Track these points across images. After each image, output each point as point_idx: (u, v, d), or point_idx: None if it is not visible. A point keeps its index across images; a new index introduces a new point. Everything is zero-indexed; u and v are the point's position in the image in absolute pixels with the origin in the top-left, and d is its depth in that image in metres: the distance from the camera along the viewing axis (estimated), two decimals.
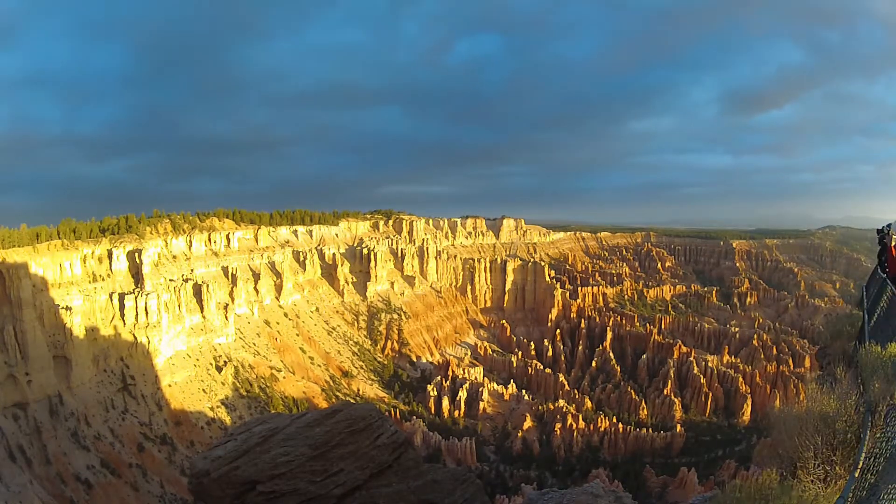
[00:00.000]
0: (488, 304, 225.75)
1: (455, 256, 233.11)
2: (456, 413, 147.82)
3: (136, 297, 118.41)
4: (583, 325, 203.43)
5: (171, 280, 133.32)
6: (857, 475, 7.37)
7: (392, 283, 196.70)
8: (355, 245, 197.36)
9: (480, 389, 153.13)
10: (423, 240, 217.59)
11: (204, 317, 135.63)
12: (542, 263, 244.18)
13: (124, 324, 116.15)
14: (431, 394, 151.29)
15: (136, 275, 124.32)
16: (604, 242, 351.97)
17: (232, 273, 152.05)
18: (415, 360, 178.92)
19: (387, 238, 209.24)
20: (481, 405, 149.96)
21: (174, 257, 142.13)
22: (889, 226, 19.33)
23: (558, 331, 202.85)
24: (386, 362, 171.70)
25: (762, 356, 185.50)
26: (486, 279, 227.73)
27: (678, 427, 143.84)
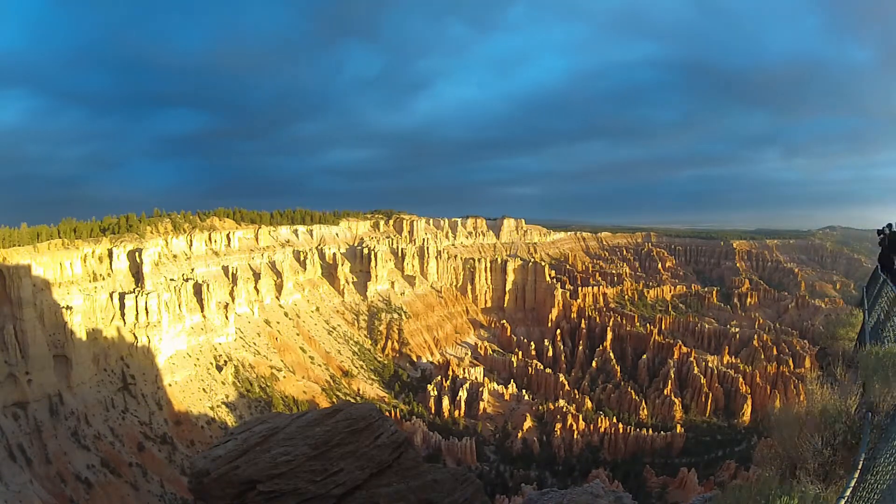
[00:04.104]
0: (489, 304, 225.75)
1: (455, 256, 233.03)
2: (456, 413, 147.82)
3: (136, 297, 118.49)
4: (583, 325, 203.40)
5: (171, 279, 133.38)
6: (856, 475, 7.37)
7: (392, 283, 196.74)
8: (356, 245, 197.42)
9: (481, 389, 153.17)
10: (424, 239, 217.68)
11: (204, 316, 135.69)
12: (543, 263, 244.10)
13: (124, 323, 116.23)
14: (432, 393, 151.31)
15: (137, 274, 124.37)
16: (604, 242, 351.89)
17: (232, 272, 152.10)
18: (415, 359, 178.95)
19: (387, 238, 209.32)
20: (481, 405, 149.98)
21: (175, 257, 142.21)
22: (889, 226, 19.31)
23: (558, 331, 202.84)
24: (386, 362, 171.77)
25: (762, 356, 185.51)
26: (486, 279, 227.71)
27: (678, 427, 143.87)
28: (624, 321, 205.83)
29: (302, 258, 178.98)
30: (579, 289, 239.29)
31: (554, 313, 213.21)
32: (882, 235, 19.48)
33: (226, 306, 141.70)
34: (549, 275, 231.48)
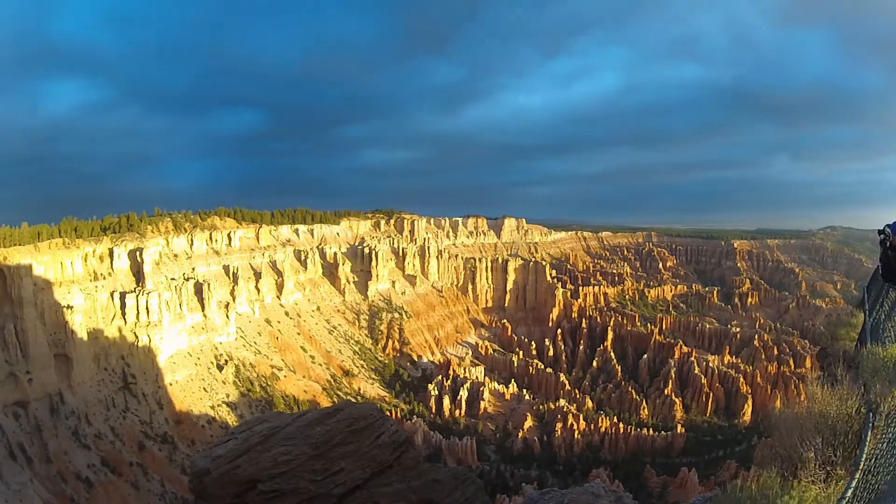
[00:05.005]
0: (489, 304, 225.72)
1: (456, 256, 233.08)
2: (457, 412, 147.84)
3: (137, 296, 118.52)
4: (584, 325, 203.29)
5: (172, 279, 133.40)
6: (857, 476, 7.36)
7: (393, 283, 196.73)
8: (357, 244, 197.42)
9: (481, 389, 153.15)
10: (425, 239, 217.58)
11: (205, 315, 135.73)
12: (544, 263, 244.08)
13: (125, 322, 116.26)
14: (432, 393, 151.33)
15: (138, 273, 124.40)
16: (605, 242, 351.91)
17: (233, 272, 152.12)
18: (416, 359, 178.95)
19: (388, 237, 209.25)
20: (482, 405, 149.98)
21: (175, 256, 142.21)
22: (891, 226, 19.22)
23: (559, 330, 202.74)
24: (387, 361, 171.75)
25: (763, 356, 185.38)
26: (487, 279, 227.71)
27: (679, 427, 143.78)
28: (625, 321, 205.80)
29: (303, 257, 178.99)
30: (580, 288, 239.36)
31: (555, 313, 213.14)
32: (882, 236, 19.41)
33: (226, 305, 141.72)
34: (550, 274, 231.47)
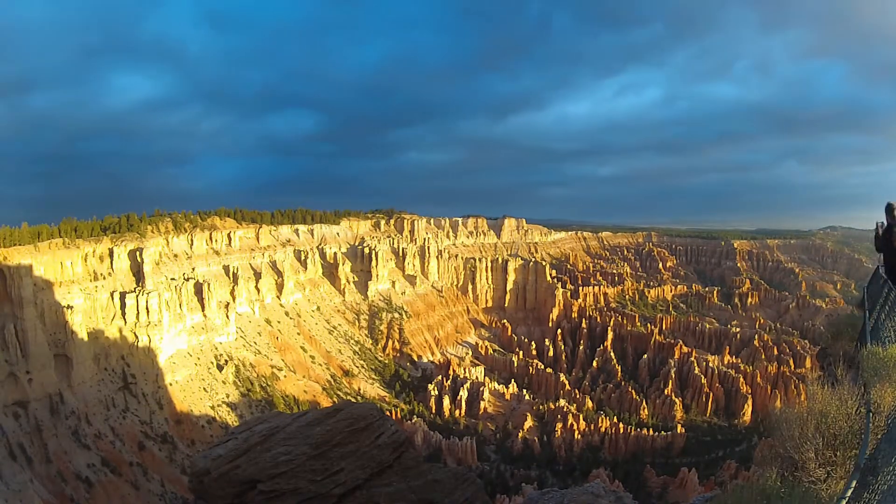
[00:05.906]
0: (489, 304, 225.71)
1: (456, 256, 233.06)
2: (457, 412, 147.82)
3: (137, 296, 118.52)
4: (584, 325, 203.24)
5: (172, 279, 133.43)
6: (857, 476, 7.35)
7: (393, 283, 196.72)
8: (357, 244, 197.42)
9: (481, 389, 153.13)
10: (425, 239, 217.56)
11: (205, 315, 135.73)
12: (544, 263, 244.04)
13: (125, 322, 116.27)
14: (432, 393, 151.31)
15: (138, 273, 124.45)
16: (605, 242, 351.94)
17: (233, 272, 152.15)
18: (416, 359, 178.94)
19: (388, 237, 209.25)
20: (482, 405, 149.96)
21: (175, 256, 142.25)
22: (889, 205, 19.21)
23: (559, 330, 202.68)
24: (387, 361, 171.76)
25: (763, 356, 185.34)
26: (487, 279, 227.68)
27: (679, 427, 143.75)
28: (625, 321, 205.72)
29: (303, 258, 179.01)
30: (580, 288, 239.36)
31: (555, 313, 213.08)
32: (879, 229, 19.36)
33: (226, 306, 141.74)
34: (550, 274, 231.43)
